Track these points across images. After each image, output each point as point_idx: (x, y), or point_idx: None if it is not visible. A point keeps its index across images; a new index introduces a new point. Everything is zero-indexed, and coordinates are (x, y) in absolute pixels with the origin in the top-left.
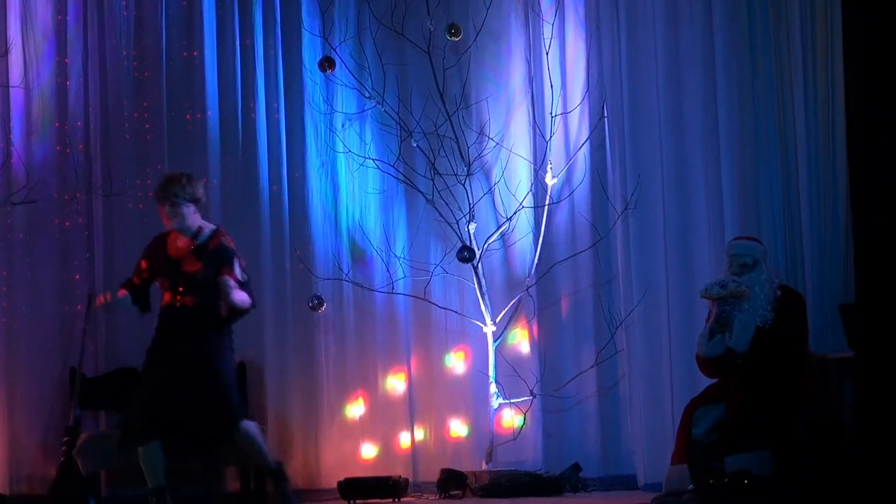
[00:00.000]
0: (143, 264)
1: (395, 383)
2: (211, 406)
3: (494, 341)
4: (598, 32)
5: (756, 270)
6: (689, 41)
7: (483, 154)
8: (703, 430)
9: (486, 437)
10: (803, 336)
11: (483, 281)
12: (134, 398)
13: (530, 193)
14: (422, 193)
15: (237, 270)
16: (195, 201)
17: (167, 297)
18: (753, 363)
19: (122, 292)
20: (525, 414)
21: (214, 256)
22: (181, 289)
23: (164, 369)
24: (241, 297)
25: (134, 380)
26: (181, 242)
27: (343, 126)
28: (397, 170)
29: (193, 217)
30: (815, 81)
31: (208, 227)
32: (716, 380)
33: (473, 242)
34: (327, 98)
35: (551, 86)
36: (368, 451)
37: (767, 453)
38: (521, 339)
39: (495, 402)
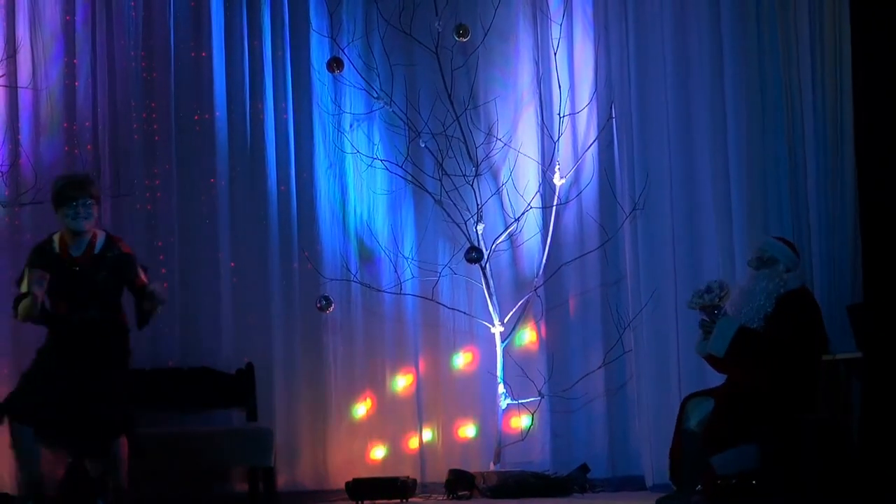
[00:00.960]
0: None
1: (403, 384)
2: (106, 409)
3: (502, 342)
4: (607, 33)
5: (770, 268)
6: (697, 42)
7: (491, 154)
8: (695, 422)
9: (494, 438)
10: (803, 337)
11: (491, 281)
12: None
13: (538, 194)
14: (430, 194)
15: (142, 276)
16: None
17: (63, 307)
18: (738, 361)
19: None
20: (533, 414)
21: (117, 265)
22: (82, 299)
23: (64, 371)
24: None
25: (141, 381)
26: (78, 250)
27: (351, 127)
28: (405, 170)
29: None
30: (823, 80)
31: (101, 233)
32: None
33: (481, 243)
34: (335, 99)
35: (559, 86)
36: (376, 451)
37: (750, 448)
38: (529, 340)
39: (503, 402)
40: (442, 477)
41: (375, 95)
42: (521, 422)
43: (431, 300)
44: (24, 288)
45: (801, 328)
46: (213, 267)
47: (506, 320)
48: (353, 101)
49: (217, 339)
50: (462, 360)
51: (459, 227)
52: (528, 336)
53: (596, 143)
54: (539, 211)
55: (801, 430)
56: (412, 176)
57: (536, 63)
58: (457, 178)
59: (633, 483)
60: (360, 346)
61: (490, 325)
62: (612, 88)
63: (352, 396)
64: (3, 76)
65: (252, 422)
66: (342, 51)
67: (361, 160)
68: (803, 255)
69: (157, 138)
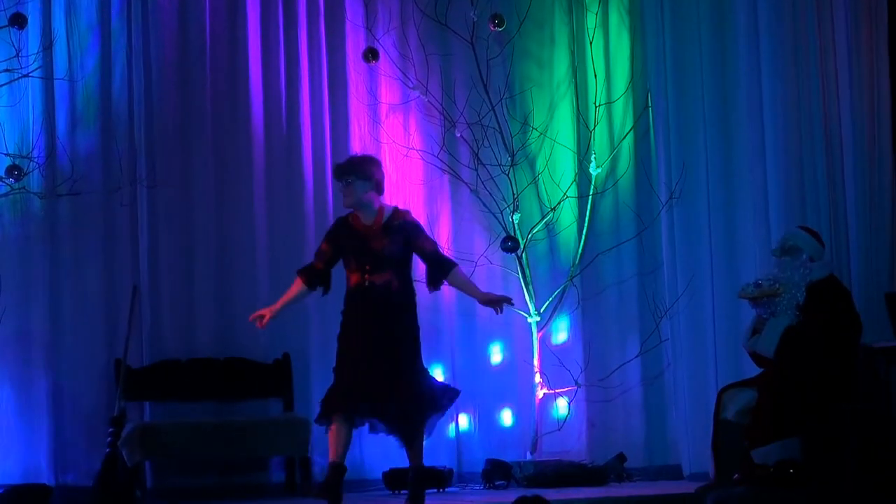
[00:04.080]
0: (326, 247)
1: (439, 373)
2: (407, 387)
3: (539, 331)
4: (642, 21)
5: (792, 256)
6: (734, 30)
7: (527, 144)
8: (733, 413)
9: (531, 428)
10: (838, 326)
11: (527, 271)
12: (336, 377)
13: (574, 183)
14: (465, 184)
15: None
16: (367, 180)
17: (356, 277)
18: (783, 358)
19: (288, 296)
20: (570, 404)
21: (401, 233)
22: (368, 267)
23: (366, 352)
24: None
25: (177, 371)
26: (366, 220)
27: (387, 116)
28: (441, 160)
29: (368, 196)
30: (859, 68)
31: (388, 206)
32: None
33: (517, 232)
34: (371, 88)
35: (595, 75)
36: None
37: (792, 442)
38: (565, 329)
39: (540, 392)
40: (479, 466)
41: (411, 85)
42: (558, 411)
43: None
44: None
45: (835, 318)
46: (250, 257)
47: (542, 310)
48: (389, 91)
49: (254, 330)
50: (498, 349)
51: (495, 216)
52: (564, 325)
53: (632, 133)
54: (575, 200)
55: (841, 419)
56: (448, 166)
57: (572, 52)
58: (493, 168)
59: (671, 472)
60: None
61: (526, 315)
62: (648, 77)
63: None
64: (39, 68)
65: (289, 412)
66: (378, 41)
67: (397, 150)
68: (841, 244)
69: (193, 128)
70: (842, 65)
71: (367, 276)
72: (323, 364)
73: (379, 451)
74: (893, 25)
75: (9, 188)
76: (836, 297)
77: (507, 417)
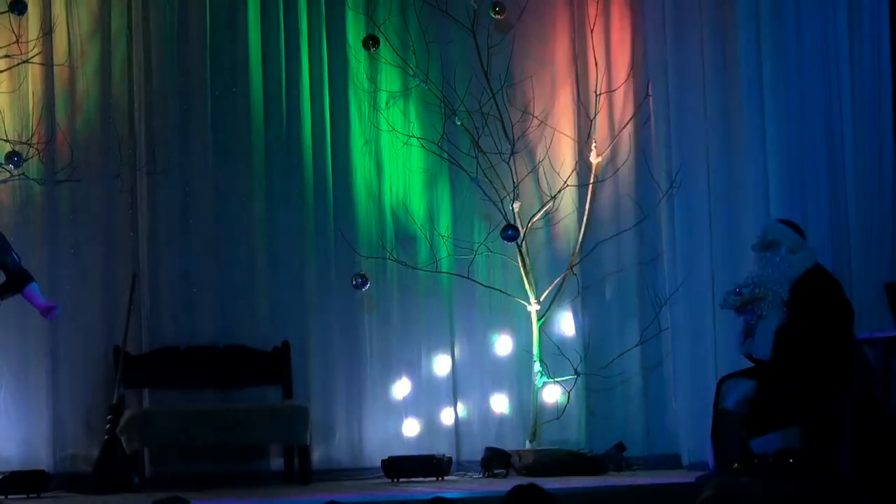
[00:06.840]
0: None
1: (439, 362)
2: None
3: (538, 320)
4: (643, 9)
5: (772, 251)
6: (734, 19)
7: (527, 132)
8: (733, 402)
9: (530, 416)
10: (827, 318)
11: (527, 259)
12: None
13: (574, 172)
14: (466, 172)
15: None
16: None
17: None
18: (780, 359)
19: None
20: (569, 393)
21: None
22: None
23: None
24: None
25: (176, 359)
26: None
27: (387, 104)
28: (441, 148)
29: None
30: (860, 57)
31: None
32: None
33: (517, 221)
34: (371, 76)
35: (596, 64)
36: (412, 429)
37: (792, 431)
38: (565, 318)
39: (539, 380)
40: (478, 455)
41: (411, 73)
42: (557, 400)
43: (467, 278)
44: None
45: (824, 309)
46: (249, 244)
47: (542, 298)
48: (389, 79)
49: (253, 317)
50: (498, 338)
51: (495, 204)
52: (564, 314)
53: (632, 121)
54: (575, 189)
55: (840, 409)
56: (448, 154)
57: (573, 40)
58: (493, 156)
59: (670, 461)
60: (395, 323)
61: (526, 304)
62: (649, 66)
63: (387, 374)
64: (39, 53)
65: (288, 399)
66: (378, 28)
67: (397, 138)
68: (841, 233)
69: (192, 116)
70: (842, 51)
71: None
72: (322, 352)
73: (378, 438)
74: (894, 7)
75: (8, 174)
76: (822, 288)
77: (506, 406)
